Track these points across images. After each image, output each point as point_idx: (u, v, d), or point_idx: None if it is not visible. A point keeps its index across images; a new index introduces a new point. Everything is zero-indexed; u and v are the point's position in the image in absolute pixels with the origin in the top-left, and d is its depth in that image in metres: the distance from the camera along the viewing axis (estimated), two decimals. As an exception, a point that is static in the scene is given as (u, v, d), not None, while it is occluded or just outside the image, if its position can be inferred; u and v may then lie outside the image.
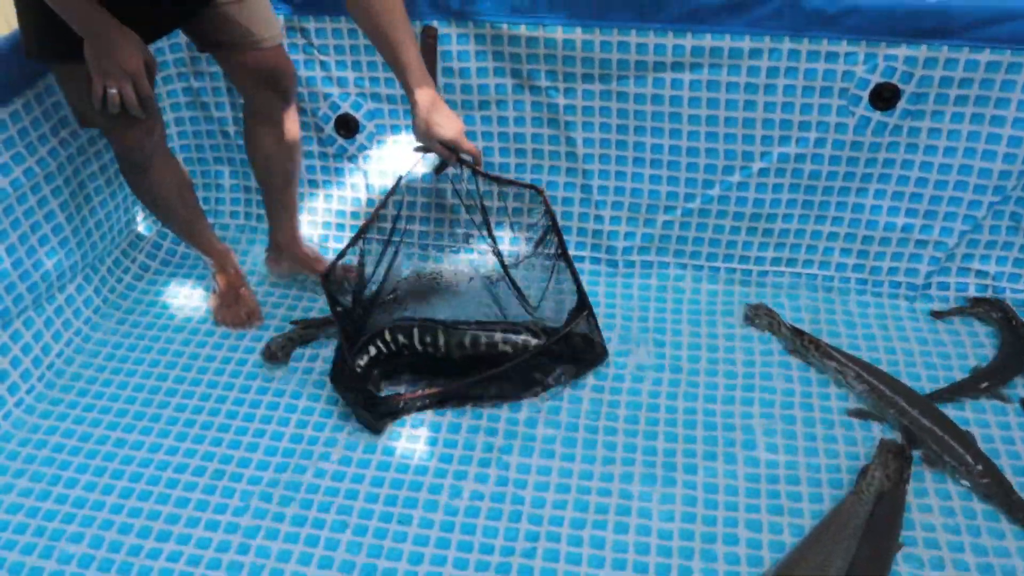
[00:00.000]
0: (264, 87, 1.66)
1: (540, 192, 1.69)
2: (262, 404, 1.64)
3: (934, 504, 1.41)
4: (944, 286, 1.87)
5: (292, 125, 1.73)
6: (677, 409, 1.60)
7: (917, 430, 1.50)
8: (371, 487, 1.46)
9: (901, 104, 1.69)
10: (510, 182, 1.75)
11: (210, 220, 2.07)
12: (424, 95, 1.49)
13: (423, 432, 1.57)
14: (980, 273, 1.85)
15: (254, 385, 1.68)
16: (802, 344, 1.70)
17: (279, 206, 1.83)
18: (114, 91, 1.39)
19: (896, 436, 1.52)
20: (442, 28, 1.77)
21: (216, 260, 1.84)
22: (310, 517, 1.42)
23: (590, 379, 1.67)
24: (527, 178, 1.92)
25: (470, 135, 1.87)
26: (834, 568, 1.27)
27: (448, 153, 1.55)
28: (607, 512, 1.41)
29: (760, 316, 1.79)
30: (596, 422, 1.58)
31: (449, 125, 1.51)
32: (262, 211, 2.06)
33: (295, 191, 1.84)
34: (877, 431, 1.54)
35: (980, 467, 1.43)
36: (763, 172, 1.81)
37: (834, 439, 1.53)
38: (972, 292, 1.85)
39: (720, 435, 1.55)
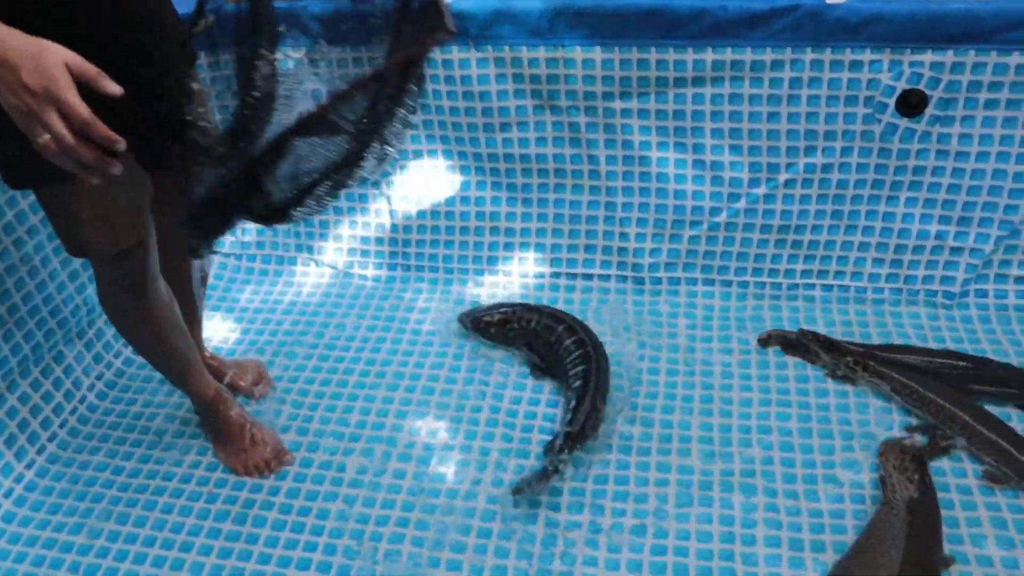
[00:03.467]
0: (182, 256, 1.43)
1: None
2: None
3: (983, 516, 1.36)
4: (982, 293, 1.82)
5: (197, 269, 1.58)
6: (713, 427, 1.57)
7: (979, 445, 1.45)
8: None
9: (929, 110, 1.67)
10: None
11: (236, 252, 2.11)
12: None
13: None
14: (1019, 279, 1.80)
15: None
16: (848, 367, 1.63)
17: (191, 324, 1.55)
18: (45, 137, 0.87)
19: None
20: (461, 53, 1.78)
21: (215, 401, 1.55)
22: None
23: (621, 401, 1.64)
24: (550, 198, 1.92)
25: (491, 157, 1.89)
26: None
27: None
28: (644, 535, 1.39)
29: (777, 340, 1.74)
30: (630, 442, 1.55)
31: None
32: (288, 240, 2.08)
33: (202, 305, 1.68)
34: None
35: None
36: (789, 183, 1.79)
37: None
38: (1012, 299, 1.81)
39: (756, 455, 1.51)
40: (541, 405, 1.64)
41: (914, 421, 1.54)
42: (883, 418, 1.56)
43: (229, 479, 1.54)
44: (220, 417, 1.55)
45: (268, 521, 1.45)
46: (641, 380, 1.68)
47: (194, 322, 1.61)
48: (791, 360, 1.71)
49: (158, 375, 1.69)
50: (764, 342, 1.74)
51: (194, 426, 1.65)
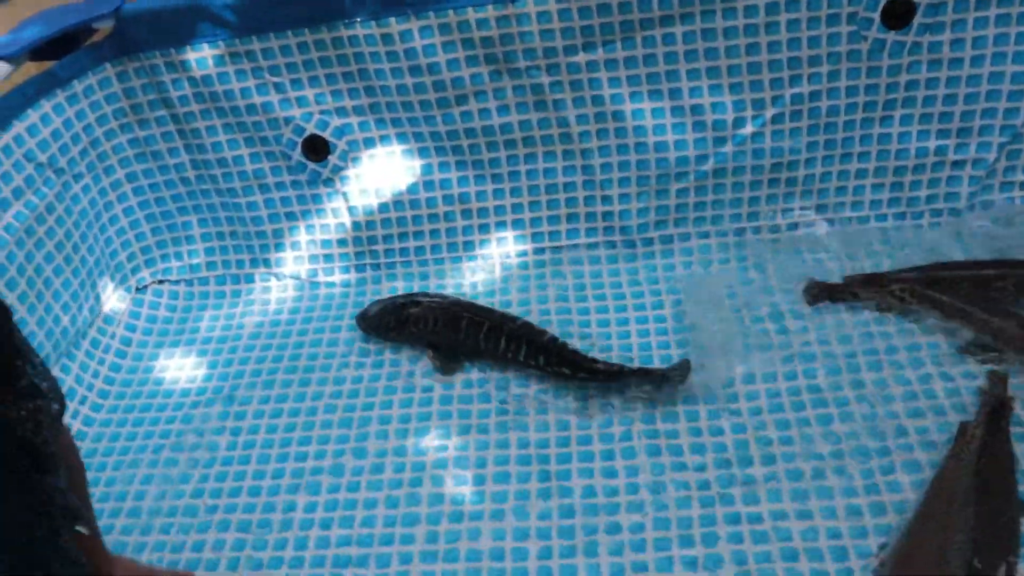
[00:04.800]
0: None
1: None
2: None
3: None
4: (987, 205, 1.72)
5: None
6: (760, 395, 1.45)
7: None
8: None
9: (917, 19, 1.54)
10: None
11: (185, 276, 1.91)
12: None
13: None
14: (1025, 185, 1.71)
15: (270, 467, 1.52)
16: (894, 297, 1.53)
17: None
18: None
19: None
20: (400, 24, 1.59)
21: None
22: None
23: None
24: (522, 169, 1.76)
25: (451, 134, 1.71)
26: (955, 544, 1.14)
27: None
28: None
29: (824, 293, 1.61)
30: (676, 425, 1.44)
31: None
32: (241, 256, 1.89)
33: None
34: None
35: None
36: (777, 118, 1.65)
37: (934, 394, 1.39)
38: (1019, 206, 1.71)
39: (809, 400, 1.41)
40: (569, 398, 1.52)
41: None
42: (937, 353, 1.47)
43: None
44: None
45: None
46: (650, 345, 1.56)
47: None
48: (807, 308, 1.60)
49: None
50: (815, 296, 1.61)
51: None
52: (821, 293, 1.61)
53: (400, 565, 1.30)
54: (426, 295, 1.70)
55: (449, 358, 1.62)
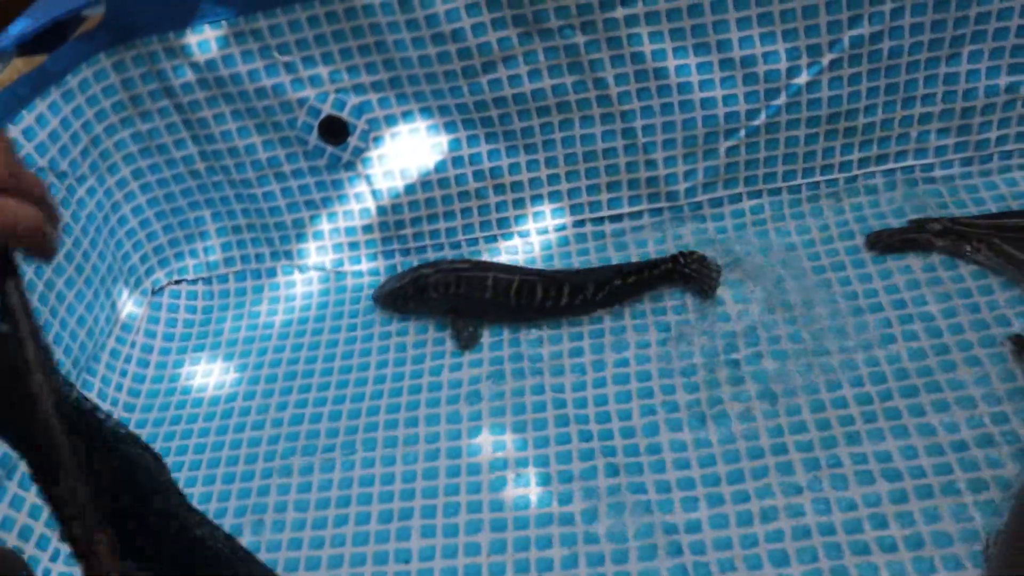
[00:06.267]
0: None
1: None
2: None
3: None
4: (1064, 144, 1.59)
5: None
6: (812, 368, 1.35)
7: None
8: None
9: (990, -58, 1.40)
10: None
11: (203, 275, 1.79)
12: None
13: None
14: (1107, 120, 1.58)
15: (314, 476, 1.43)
16: (972, 248, 1.42)
17: None
18: None
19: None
20: (419, -13, 1.45)
21: None
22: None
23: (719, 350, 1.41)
24: (557, 138, 1.62)
25: (479, 105, 1.58)
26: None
27: None
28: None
29: (892, 241, 1.51)
30: (731, 405, 1.33)
31: None
32: (261, 249, 1.78)
33: None
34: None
35: None
36: (835, 64, 1.52)
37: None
38: (1099, 143, 1.58)
39: (898, 391, 1.30)
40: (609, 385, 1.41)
41: None
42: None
43: None
44: None
45: None
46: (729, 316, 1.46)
47: None
48: (869, 259, 1.49)
49: None
50: (887, 246, 1.51)
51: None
52: (888, 242, 1.50)
53: (469, 581, 1.21)
54: (440, 263, 1.62)
55: (472, 324, 1.55)
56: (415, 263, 1.70)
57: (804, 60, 1.51)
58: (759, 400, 1.33)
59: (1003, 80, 1.54)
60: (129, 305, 1.72)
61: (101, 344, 1.62)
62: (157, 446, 1.52)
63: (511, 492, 1.31)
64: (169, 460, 1.49)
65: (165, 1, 1.49)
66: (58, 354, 1.48)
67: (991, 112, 1.57)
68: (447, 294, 1.54)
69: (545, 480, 1.31)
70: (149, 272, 1.76)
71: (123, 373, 1.64)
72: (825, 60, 1.51)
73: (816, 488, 1.20)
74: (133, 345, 1.69)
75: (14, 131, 1.45)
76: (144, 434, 1.54)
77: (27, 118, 1.47)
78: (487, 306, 1.54)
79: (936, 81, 1.54)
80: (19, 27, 1.47)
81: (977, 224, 1.45)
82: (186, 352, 1.69)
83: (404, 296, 1.58)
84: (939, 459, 1.20)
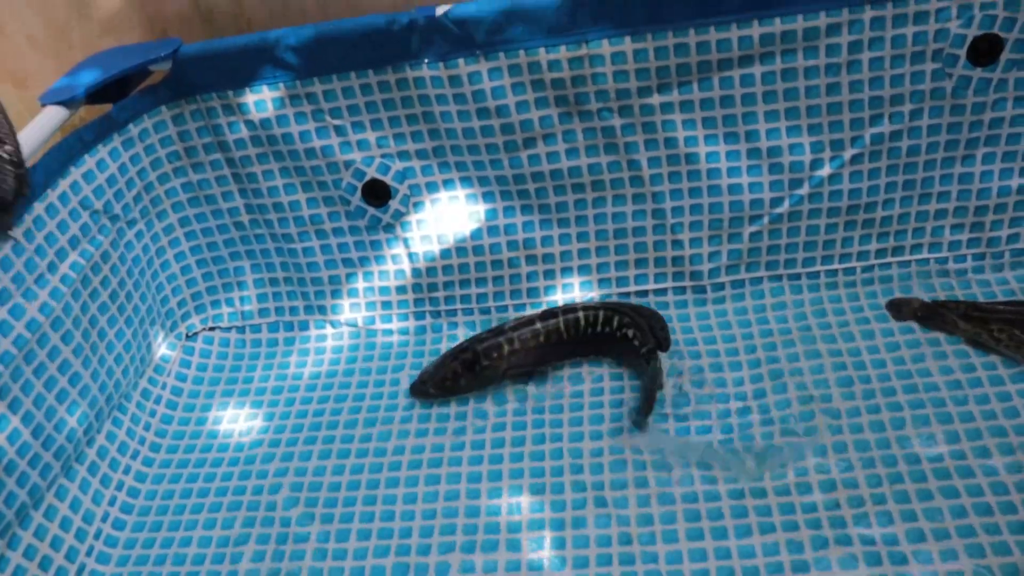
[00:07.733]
0: None
1: None
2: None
3: None
4: (1073, 246, 1.66)
5: None
6: (827, 449, 1.38)
7: None
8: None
9: (1004, 55, 1.49)
10: None
11: (237, 323, 1.85)
12: None
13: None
14: (1114, 225, 1.65)
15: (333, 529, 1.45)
16: (991, 336, 1.47)
17: None
18: None
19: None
20: (468, 66, 1.54)
21: None
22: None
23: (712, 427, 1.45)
24: (590, 214, 1.70)
25: (518, 178, 1.66)
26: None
27: None
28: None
29: (917, 311, 1.58)
30: (740, 491, 1.36)
31: None
32: (296, 303, 1.83)
33: None
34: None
35: None
36: (856, 159, 1.60)
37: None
38: (1107, 248, 1.65)
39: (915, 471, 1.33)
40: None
41: None
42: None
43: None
44: None
45: None
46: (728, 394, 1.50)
47: None
48: (882, 341, 1.55)
49: None
50: (907, 313, 1.59)
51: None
52: (914, 310, 1.58)
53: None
54: (462, 343, 1.65)
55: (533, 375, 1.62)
56: (444, 326, 1.76)
57: (827, 154, 1.60)
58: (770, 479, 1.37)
59: (1015, 181, 1.61)
60: (163, 347, 1.77)
61: (134, 383, 1.67)
62: (179, 486, 1.57)
63: (526, 556, 1.33)
64: (190, 501, 1.53)
65: (228, 61, 1.58)
66: (94, 389, 1.52)
67: (1003, 211, 1.64)
68: (499, 359, 1.58)
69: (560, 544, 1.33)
70: (185, 317, 1.82)
71: (152, 413, 1.68)
72: (847, 155, 1.59)
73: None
74: (164, 387, 1.73)
75: (76, 173, 1.53)
76: (167, 474, 1.59)
77: (88, 162, 1.56)
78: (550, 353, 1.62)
79: (951, 179, 1.62)
80: (89, 78, 1.56)
81: (1000, 310, 1.50)
82: (214, 396, 1.74)
83: (455, 376, 1.60)
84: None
